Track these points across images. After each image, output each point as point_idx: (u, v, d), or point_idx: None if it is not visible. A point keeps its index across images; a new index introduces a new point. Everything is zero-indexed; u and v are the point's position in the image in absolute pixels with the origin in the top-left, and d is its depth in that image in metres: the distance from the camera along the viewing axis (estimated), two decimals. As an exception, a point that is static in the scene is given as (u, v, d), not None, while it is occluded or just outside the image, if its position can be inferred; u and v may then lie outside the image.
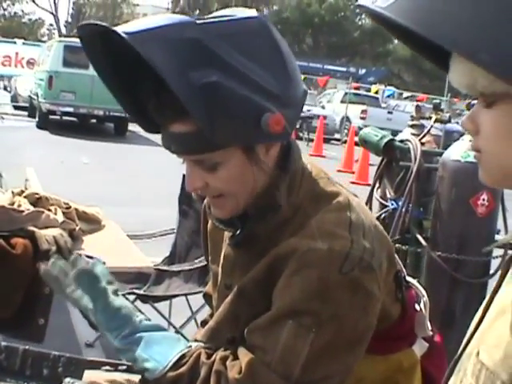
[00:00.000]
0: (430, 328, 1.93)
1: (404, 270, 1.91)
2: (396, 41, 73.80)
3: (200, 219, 5.00)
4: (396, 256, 1.83)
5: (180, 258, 5.01)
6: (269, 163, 1.65)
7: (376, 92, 32.37)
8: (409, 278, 1.95)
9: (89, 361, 1.61)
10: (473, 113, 1.12)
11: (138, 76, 1.65)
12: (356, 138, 18.85)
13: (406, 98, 34.80)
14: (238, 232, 1.74)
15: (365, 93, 32.52)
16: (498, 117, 1.06)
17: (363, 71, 50.89)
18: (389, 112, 29.82)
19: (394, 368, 1.85)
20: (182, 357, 1.64)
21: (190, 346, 1.69)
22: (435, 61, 1.18)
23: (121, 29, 1.50)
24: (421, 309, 1.92)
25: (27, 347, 1.59)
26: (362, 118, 27.54)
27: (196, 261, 4.73)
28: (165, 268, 4.72)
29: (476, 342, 1.15)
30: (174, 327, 4.52)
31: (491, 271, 3.95)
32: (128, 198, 10.43)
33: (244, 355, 1.60)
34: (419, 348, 1.90)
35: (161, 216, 8.87)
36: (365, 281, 1.59)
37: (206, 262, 4.57)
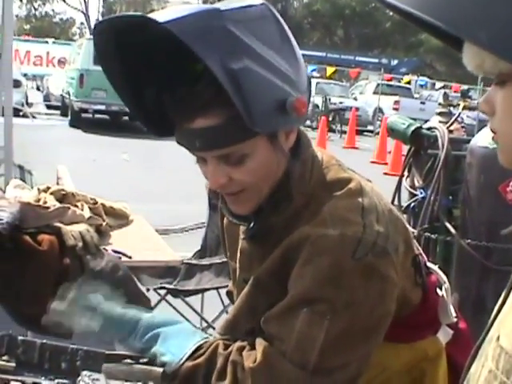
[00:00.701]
0: (454, 314, 1.90)
1: (425, 255, 1.89)
2: (428, 30, 73.27)
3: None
4: (415, 241, 1.81)
5: (211, 251, 5.00)
6: (287, 150, 1.64)
7: (408, 82, 32.22)
8: (429, 264, 1.92)
9: (107, 354, 1.60)
10: (488, 94, 1.10)
11: (146, 80, 1.64)
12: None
13: (440, 88, 34.57)
14: (252, 225, 1.73)
15: (397, 84, 32.37)
16: (509, 96, 1.04)
17: (395, 62, 50.56)
18: (421, 102, 29.65)
19: (419, 357, 1.83)
20: (199, 348, 1.63)
21: (207, 338, 1.68)
22: (453, 45, 1.16)
23: (155, 18, 1.49)
24: (443, 295, 1.90)
25: (44, 341, 1.59)
26: (395, 109, 27.37)
27: (225, 254, 4.71)
28: (194, 262, 4.72)
29: (497, 327, 1.13)
30: (206, 321, 4.52)
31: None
32: (161, 194, 10.48)
33: (260, 345, 1.59)
34: (444, 335, 1.88)
35: (193, 211, 8.89)
36: (380, 266, 1.57)
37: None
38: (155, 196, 10.10)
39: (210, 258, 4.94)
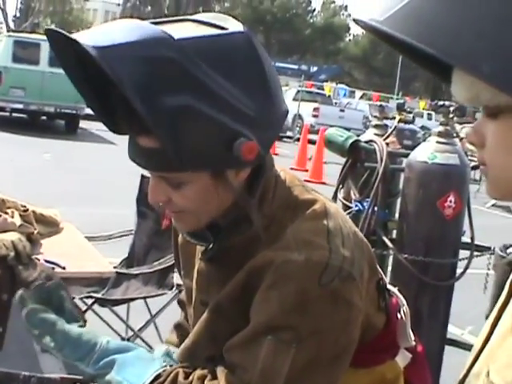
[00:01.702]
0: (412, 338, 1.87)
1: (384, 277, 1.85)
2: (347, 39, 74.97)
3: (160, 220, 4.92)
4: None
5: (138, 260, 4.93)
6: (236, 184, 1.56)
7: (329, 91, 32.55)
8: (389, 286, 1.89)
9: (60, 378, 1.51)
10: (478, 125, 1.07)
11: (107, 80, 1.56)
12: (309, 136, 19.04)
13: (361, 97, 35.11)
14: (211, 246, 1.66)
15: (317, 90, 32.66)
16: (504, 129, 1.02)
17: (315, 69, 51.11)
18: (341, 110, 30.03)
19: (377, 380, 1.79)
20: (158, 377, 1.56)
21: (165, 366, 1.60)
22: (438, 74, 1.13)
23: (88, 38, 1.40)
24: (402, 317, 1.86)
25: (-5, 368, 1.49)
26: (315, 116, 27.66)
27: (155, 263, 4.65)
28: (125, 271, 4.63)
29: (484, 361, 1.10)
30: (133, 330, 4.44)
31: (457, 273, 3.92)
32: (80, 197, 10.31)
33: (222, 374, 1.52)
34: (402, 359, 1.84)
35: (113, 215, 8.76)
36: (345, 292, 1.52)
37: (165, 265, 4.51)
38: (76, 198, 9.91)
39: (138, 267, 4.86)
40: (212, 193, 1.55)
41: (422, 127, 28.85)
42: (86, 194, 10.65)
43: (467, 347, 4.20)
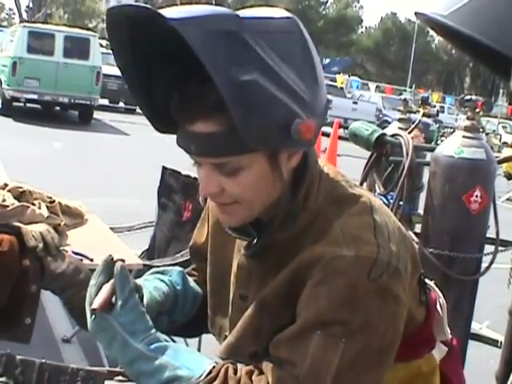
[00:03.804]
0: (448, 331, 1.87)
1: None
2: (360, 31, 74.75)
3: (181, 212, 4.91)
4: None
5: (159, 251, 4.93)
6: (286, 172, 1.57)
7: (342, 83, 32.53)
8: (426, 280, 1.89)
9: (108, 372, 1.51)
10: None
11: (157, 73, 1.56)
12: (322, 128, 18.90)
13: (375, 89, 35.08)
14: (255, 241, 1.66)
15: (330, 83, 32.60)
16: None
17: (327, 61, 50.99)
18: (354, 102, 29.93)
19: (414, 374, 1.79)
20: (213, 368, 1.55)
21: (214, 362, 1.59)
22: (494, 69, 1.12)
23: (163, 13, 1.40)
24: (439, 311, 1.87)
25: (43, 361, 1.49)
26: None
27: (177, 255, 4.65)
28: (149, 263, 4.63)
29: None
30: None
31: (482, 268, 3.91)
32: (94, 187, 10.32)
33: (270, 369, 1.51)
34: (438, 352, 1.86)
35: (129, 205, 8.78)
36: (393, 286, 1.52)
37: (186, 257, 4.52)
38: (90, 189, 9.91)
39: (159, 258, 4.85)
40: (268, 179, 1.54)
41: (435, 120, 28.80)
42: (100, 185, 10.66)
43: (489, 341, 4.20)
